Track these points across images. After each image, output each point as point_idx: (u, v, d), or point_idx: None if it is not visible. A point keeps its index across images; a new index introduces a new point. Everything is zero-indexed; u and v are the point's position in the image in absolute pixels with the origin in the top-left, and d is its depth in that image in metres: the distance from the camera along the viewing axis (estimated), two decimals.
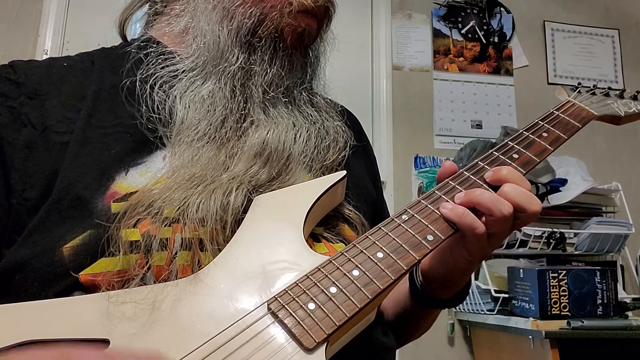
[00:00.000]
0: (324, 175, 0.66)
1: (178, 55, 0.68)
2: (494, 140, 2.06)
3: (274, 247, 0.55)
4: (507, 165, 0.61)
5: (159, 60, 0.67)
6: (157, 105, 0.63)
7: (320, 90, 0.76)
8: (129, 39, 0.79)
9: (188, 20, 0.70)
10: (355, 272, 0.51)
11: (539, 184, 1.89)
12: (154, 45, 0.69)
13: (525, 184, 0.58)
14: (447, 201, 0.57)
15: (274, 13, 0.66)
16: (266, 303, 0.49)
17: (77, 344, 0.46)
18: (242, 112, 0.65)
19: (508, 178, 0.58)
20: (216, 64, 0.66)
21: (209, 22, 0.67)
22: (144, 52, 0.68)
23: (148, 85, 0.64)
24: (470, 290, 1.47)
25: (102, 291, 0.51)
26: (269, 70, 0.67)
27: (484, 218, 0.56)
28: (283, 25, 0.67)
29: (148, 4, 0.78)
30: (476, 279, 1.91)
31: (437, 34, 2.48)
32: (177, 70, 0.66)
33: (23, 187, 0.58)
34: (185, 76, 0.66)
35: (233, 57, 0.66)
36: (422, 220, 0.56)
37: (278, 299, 0.49)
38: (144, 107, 0.63)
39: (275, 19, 0.66)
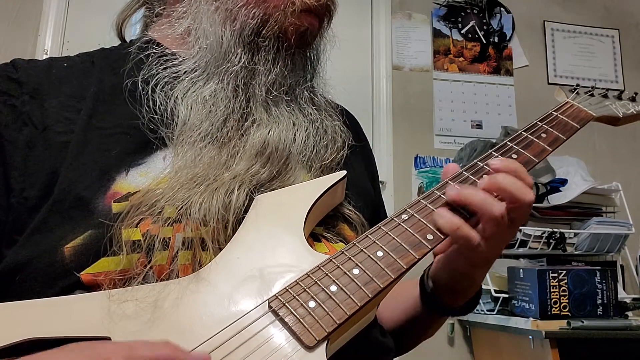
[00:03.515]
0: (322, 174, 0.66)
1: (179, 57, 0.68)
2: (494, 141, 2.06)
3: (274, 246, 0.56)
4: None
5: (160, 62, 0.67)
6: (159, 106, 0.63)
7: (321, 89, 0.76)
8: (127, 40, 0.79)
9: (190, 22, 0.69)
10: (356, 271, 0.51)
11: (539, 184, 1.89)
12: (155, 47, 0.69)
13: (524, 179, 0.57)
14: (441, 209, 0.56)
15: (278, 13, 0.66)
16: (267, 301, 0.49)
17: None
18: (244, 110, 0.65)
19: (505, 169, 0.57)
20: (219, 64, 0.66)
21: (212, 24, 0.67)
22: (145, 53, 0.68)
23: (150, 86, 0.64)
24: None
25: (104, 290, 0.51)
26: (272, 70, 0.67)
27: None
28: (287, 25, 0.67)
29: (145, 7, 0.78)
30: None
31: (437, 34, 2.48)
32: (178, 71, 0.66)
33: (23, 186, 0.58)
34: (187, 77, 0.66)
35: (236, 57, 0.66)
36: (421, 219, 0.56)
37: (279, 297, 0.49)
38: (145, 108, 0.63)
39: (279, 19, 0.66)
